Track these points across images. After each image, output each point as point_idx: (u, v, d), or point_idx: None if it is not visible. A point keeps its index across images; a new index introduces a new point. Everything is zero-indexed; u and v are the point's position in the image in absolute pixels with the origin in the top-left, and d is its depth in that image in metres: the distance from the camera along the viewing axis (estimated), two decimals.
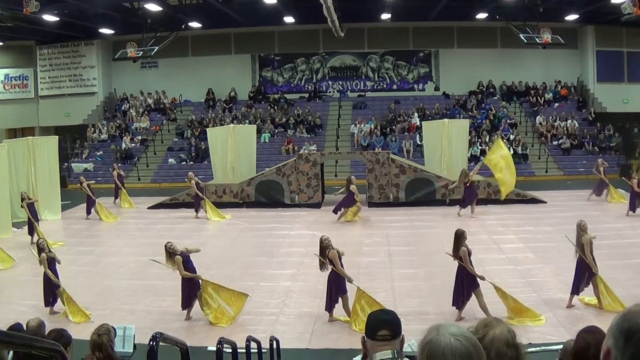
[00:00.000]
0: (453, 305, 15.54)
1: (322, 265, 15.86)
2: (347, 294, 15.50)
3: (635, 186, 28.24)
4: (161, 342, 6.84)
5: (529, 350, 12.85)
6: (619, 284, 16.72)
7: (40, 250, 16.95)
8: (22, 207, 26.40)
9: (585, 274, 15.96)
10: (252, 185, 32.22)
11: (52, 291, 16.66)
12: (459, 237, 15.55)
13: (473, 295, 15.23)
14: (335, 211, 28.38)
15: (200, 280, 15.89)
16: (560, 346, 6.08)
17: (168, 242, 16.20)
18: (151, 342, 6.68)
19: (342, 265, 15.67)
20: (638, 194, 28.27)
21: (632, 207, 28.26)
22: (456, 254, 15.48)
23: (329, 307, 15.66)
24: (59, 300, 16.65)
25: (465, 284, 15.30)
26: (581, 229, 16.27)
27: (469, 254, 15.38)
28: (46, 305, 16.74)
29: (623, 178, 28.82)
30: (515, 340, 3.84)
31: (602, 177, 31.23)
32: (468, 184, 29.06)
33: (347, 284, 15.54)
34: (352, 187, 27.77)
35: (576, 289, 16.12)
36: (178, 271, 15.87)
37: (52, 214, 31.11)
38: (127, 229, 28.73)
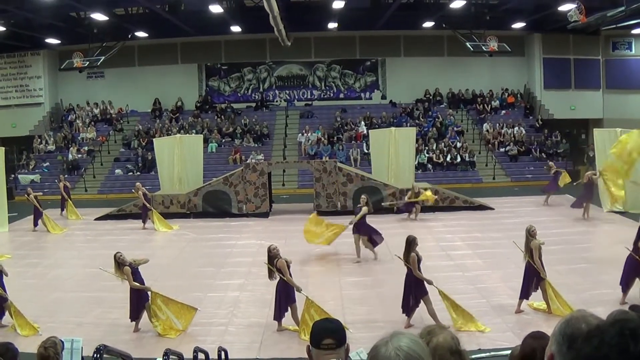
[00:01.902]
0: (402, 312, 15.56)
1: (270, 274, 15.82)
2: (296, 303, 15.51)
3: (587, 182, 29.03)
4: (105, 354, 6.79)
5: (479, 355, 12.94)
6: (568, 289, 16.93)
7: None
8: None
9: (533, 278, 16.10)
10: (200, 195, 32.10)
11: (0, 304, 16.44)
12: (410, 243, 15.59)
13: (422, 302, 15.27)
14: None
15: (149, 292, 15.77)
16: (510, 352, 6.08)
17: (117, 253, 16.05)
18: (95, 355, 6.63)
19: (290, 275, 15.66)
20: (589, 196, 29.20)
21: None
22: (406, 259, 15.50)
23: (278, 316, 15.64)
24: (6, 313, 16.41)
25: (414, 291, 15.34)
26: (530, 234, 16.40)
27: (419, 260, 15.42)
28: None
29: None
30: (459, 347, 3.84)
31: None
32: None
33: (296, 293, 15.53)
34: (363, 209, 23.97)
35: (525, 294, 16.26)
36: (127, 282, 15.74)
37: None
38: (74, 241, 28.44)
